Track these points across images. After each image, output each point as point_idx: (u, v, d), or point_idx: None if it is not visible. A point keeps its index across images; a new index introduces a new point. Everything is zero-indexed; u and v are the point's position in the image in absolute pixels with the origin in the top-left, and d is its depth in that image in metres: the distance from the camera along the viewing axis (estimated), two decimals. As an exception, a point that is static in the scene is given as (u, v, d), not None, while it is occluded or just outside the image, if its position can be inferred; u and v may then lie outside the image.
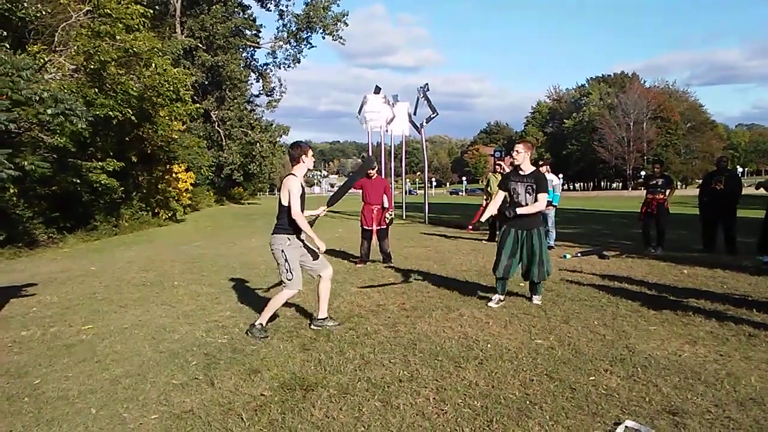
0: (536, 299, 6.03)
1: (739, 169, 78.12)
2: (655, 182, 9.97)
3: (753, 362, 4.00)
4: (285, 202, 4.83)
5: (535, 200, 5.72)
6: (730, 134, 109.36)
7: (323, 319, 5.23)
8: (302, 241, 5.07)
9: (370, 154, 20.35)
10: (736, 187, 9.75)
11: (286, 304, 6.17)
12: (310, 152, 5.05)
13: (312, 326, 5.20)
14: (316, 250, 5.06)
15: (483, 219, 6.55)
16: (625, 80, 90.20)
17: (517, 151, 5.88)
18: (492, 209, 6.30)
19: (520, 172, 5.84)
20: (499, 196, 6.17)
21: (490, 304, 5.90)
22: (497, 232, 11.95)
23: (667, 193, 9.89)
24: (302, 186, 4.93)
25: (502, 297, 5.97)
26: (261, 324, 4.99)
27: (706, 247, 9.85)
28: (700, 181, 11.06)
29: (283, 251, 4.87)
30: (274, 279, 7.86)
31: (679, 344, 4.44)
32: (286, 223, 4.89)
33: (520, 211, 5.73)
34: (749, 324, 4.93)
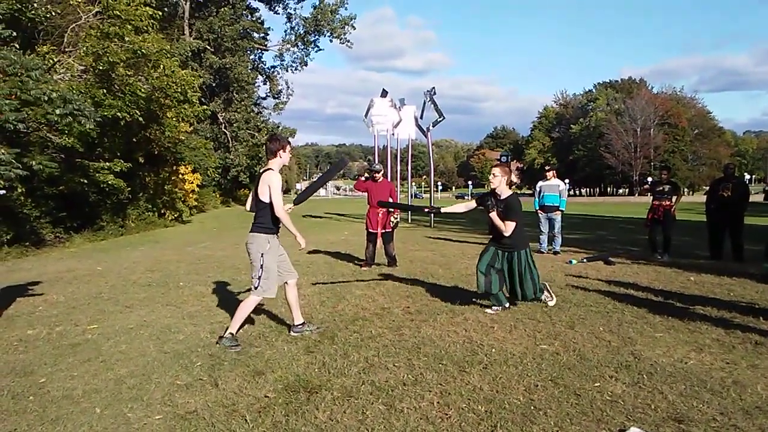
0: (548, 302, 6.06)
1: (747, 177, 77.77)
2: (662, 188, 9.94)
3: (759, 370, 3.97)
4: (265, 199, 4.70)
5: (504, 222, 5.66)
6: (737, 141, 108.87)
7: (301, 324, 5.13)
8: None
9: (377, 157, 20.36)
10: (744, 195, 9.71)
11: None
12: (288, 147, 4.94)
13: (292, 333, 5.09)
14: (299, 248, 4.96)
15: (443, 210, 6.56)
16: (632, 86, 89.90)
17: (494, 174, 5.82)
18: (456, 207, 6.52)
19: (497, 194, 5.78)
20: (471, 204, 6.17)
21: (487, 310, 5.87)
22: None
23: (674, 199, 9.85)
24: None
25: (498, 308, 5.85)
26: (231, 333, 4.77)
27: (713, 254, 9.80)
28: (707, 188, 11.01)
29: (261, 255, 4.74)
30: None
31: (685, 351, 4.42)
32: (269, 221, 4.75)
33: (492, 215, 5.67)
34: (756, 332, 4.90)
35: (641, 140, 78.27)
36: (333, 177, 8.05)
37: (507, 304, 5.89)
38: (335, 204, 50.22)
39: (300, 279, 7.93)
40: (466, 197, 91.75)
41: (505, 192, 5.78)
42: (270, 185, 4.68)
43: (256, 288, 4.78)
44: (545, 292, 6.07)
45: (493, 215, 5.67)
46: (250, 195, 5.04)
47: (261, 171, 4.90)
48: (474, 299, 6.37)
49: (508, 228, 5.64)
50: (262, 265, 4.74)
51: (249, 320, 5.62)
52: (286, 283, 5.02)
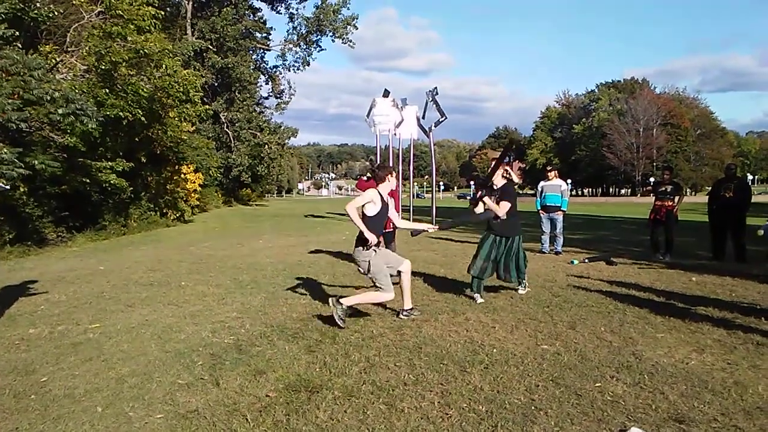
0: (521, 290, 6.70)
1: (749, 177, 77.62)
2: (664, 189, 9.92)
3: (761, 371, 3.97)
4: (367, 212, 5.36)
5: (498, 204, 6.19)
6: (740, 141, 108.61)
7: (410, 309, 5.64)
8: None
9: (379, 157, 20.35)
10: (746, 195, 9.69)
11: (293, 306, 6.20)
12: (394, 174, 5.60)
13: (401, 316, 5.57)
14: (370, 244, 5.34)
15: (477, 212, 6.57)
16: (635, 86, 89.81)
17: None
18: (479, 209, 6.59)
19: (494, 186, 6.33)
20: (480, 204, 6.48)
21: (478, 301, 6.26)
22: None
23: (676, 200, 9.84)
24: (385, 201, 5.44)
25: (480, 295, 6.33)
26: (346, 306, 5.29)
27: (715, 254, 9.78)
28: (710, 188, 10.98)
29: (368, 261, 5.30)
30: (280, 280, 7.88)
31: (686, 352, 4.41)
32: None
33: (486, 200, 6.18)
34: (757, 332, 4.89)
35: (644, 140, 78.22)
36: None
37: (482, 300, 6.30)
38: (337, 204, 50.25)
39: (302, 279, 7.97)
40: (467, 197, 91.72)
41: (499, 182, 6.30)
42: (363, 194, 5.42)
43: (381, 289, 5.37)
44: (524, 281, 6.70)
45: (486, 199, 6.18)
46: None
47: (365, 188, 5.67)
48: (465, 289, 6.76)
49: (502, 208, 6.15)
50: (369, 270, 5.34)
51: (250, 320, 5.64)
52: (399, 271, 5.56)
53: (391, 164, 19.74)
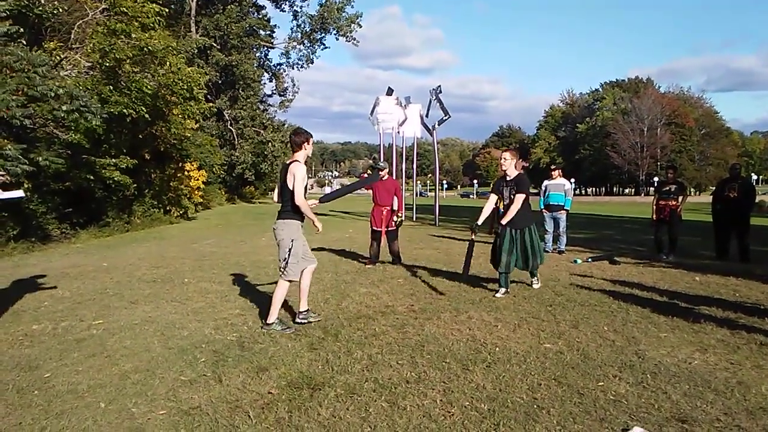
0: (535, 284, 6.99)
1: (754, 177, 77.35)
2: (668, 188, 9.90)
3: (764, 371, 3.96)
4: (292, 187, 4.99)
5: (515, 197, 6.40)
6: (745, 141, 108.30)
7: (305, 311, 5.41)
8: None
9: (382, 155, 20.36)
10: (750, 195, 9.66)
11: (295, 303, 6.20)
12: (312, 140, 5.29)
13: (296, 321, 5.36)
14: (315, 231, 5.27)
15: (480, 222, 6.67)
16: (639, 85, 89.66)
17: (504, 158, 6.56)
18: (485, 211, 6.74)
19: (507, 177, 6.55)
20: (492, 199, 6.76)
21: (497, 294, 6.48)
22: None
23: (680, 199, 9.81)
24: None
25: (507, 289, 6.60)
26: (277, 319, 5.14)
27: (719, 254, 9.76)
28: (714, 188, 10.96)
29: (293, 240, 5.07)
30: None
31: (689, 351, 4.41)
32: (297, 209, 5.07)
33: (504, 221, 6.46)
34: (761, 333, 4.88)
35: (648, 140, 78.07)
36: (364, 186, 8.43)
37: (508, 288, 6.62)
38: (339, 202, 50.27)
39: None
40: (471, 195, 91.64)
41: (512, 173, 6.51)
42: (295, 174, 4.97)
43: (283, 273, 5.12)
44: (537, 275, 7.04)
45: (504, 219, 6.44)
46: (277, 186, 5.39)
47: (288, 162, 5.15)
48: (483, 284, 7.06)
49: (517, 201, 6.36)
50: (290, 250, 5.07)
51: (252, 317, 5.64)
52: (303, 269, 5.25)
53: (394, 163, 19.78)
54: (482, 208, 6.75)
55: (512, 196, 6.41)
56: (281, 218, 5.14)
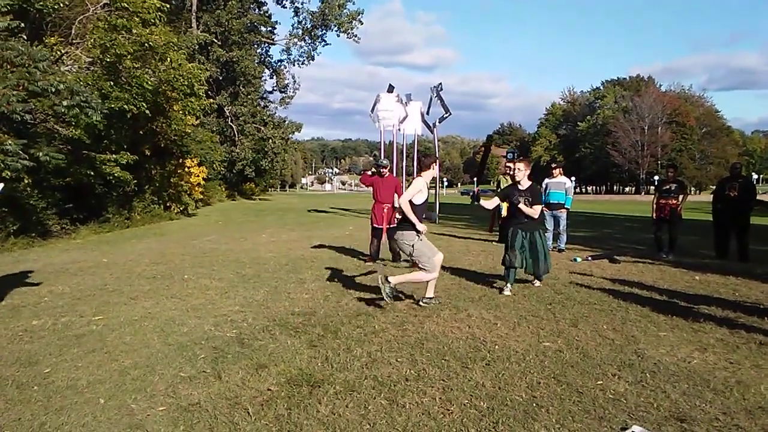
0: (537, 282, 7.00)
1: (755, 176, 77.31)
2: (668, 187, 9.90)
3: (763, 370, 3.96)
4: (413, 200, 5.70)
5: (532, 207, 6.58)
6: (746, 140, 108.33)
7: (431, 297, 5.99)
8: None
9: (383, 152, 20.33)
10: (750, 195, 9.66)
11: (295, 301, 6.21)
12: (438, 162, 6.06)
13: (421, 303, 5.91)
14: (420, 236, 5.75)
15: (481, 202, 6.93)
16: (640, 84, 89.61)
17: (519, 168, 6.74)
18: (488, 206, 7.04)
19: (519, 186, 6.67)
20: (494, 201, 6.96)
21: (504, 292, 6.52)
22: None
23: (680, 198, 9.81)
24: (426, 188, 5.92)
25: (510, 286, 6.63)
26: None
27: (719, 253, 9.76)
28: (714, 187, 10.96)
29: (412, 245, 5.70)
30: (283, 275, 7.88)
31: (688, 351, 4.41)
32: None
33: (521, 207, 6.55)
34: (760, 332, 4.89)
35: (648, 138, 78.08)
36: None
37: (509, 293, 6.57)
38: (340, 199, 50.30)
39: (304, 273, 7.98)
40: (470, 193, 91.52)
41: (525, 183, 6.67)
42: (413, 185, 5.86)
43: (425, 270, 5.78)
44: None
45: (522, 206, 6.52)
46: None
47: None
48: (491, 281, 7.19)
49: (536, 211, 6.57)
50: (411, 253, 5.76)
51: (253, 313, 5.65)
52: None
53: (394, 160, 19.74)
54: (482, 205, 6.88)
55: (526, 205, 6.55)
56: (401, 230, 5.83)
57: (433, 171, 6.04)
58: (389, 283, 5.57)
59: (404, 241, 5.75)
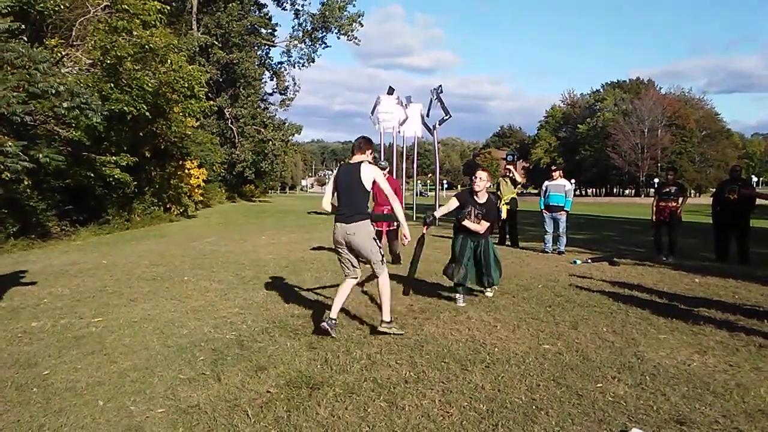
0: (488, 292, 6.55)
1: (754, 179, 77.31)
2: (668, 190, 9.90)
3: (763, 373, 3.96)
4: (369, 187, 4.92)
5: (481, 222, 6.14)
6: (745, 143, 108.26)
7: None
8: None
9: (383, 154, 20.34)
10: (750, 197, 9.65)
11: (295, 303, 6.20)
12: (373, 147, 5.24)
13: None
14: (404, 242, 5.25)
15: (438, 215, 6.64)
16: (640, 86, 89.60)
17: (480, 177, 6.14)
18: (444, 209, 6.51)
19: (476, 198, 6.14)
20: (452, 202, 6.35)
21: (458, 303, 6.11)
22: (506, 236, 11.94)
23: (680, 201, 9.81)
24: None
25: (462, 297, 6.18)
26: (388, 320, 4.89)
27: (719, 256, 9.76)
28: (714, 189, 10.97)
29: (374, 239, 4.95)
30: (283, 277, 7.88)
31: (688, 353, 4.40)
32: (366, 208, 5.01)
33: (466, 223, 6.14)
34: (760, 335, 4.88)
35: (648, 141, 78.06)
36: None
37: (463, 303, 6.15)
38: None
39: (304, 275, 7.98)
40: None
41: (483, 196, 6.15)
42: (375, 175, 4.93)
43: (380, 266, 4.93)
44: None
45: (467, 222, 6.13)
46: (332, 189, 5.17)
47: (354, 163, 5.00)
48: (442, 293, 6.77)
49: (483, 227, 6.14)
50: (373, 247, 4.90)
51: (252, 315, 5.64)
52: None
53: (395, 162, 19.75)
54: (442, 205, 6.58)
55: (477, 218, 6.12)
56: (358, 221, 4.89)
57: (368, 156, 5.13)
58: (388, 323, 4.91)
59: (366, 236, 4.95)
